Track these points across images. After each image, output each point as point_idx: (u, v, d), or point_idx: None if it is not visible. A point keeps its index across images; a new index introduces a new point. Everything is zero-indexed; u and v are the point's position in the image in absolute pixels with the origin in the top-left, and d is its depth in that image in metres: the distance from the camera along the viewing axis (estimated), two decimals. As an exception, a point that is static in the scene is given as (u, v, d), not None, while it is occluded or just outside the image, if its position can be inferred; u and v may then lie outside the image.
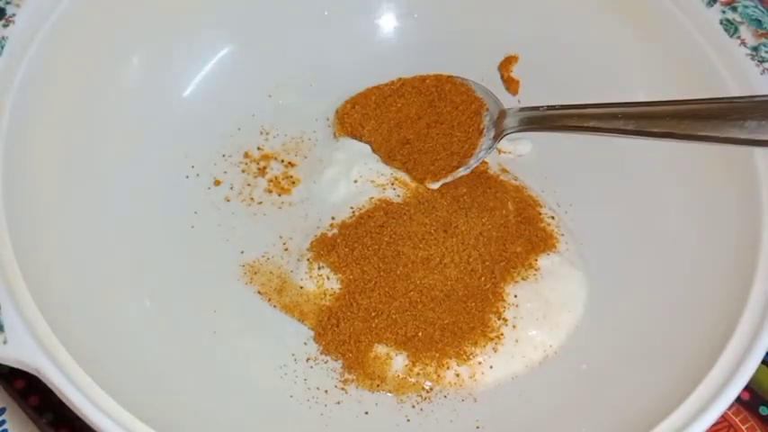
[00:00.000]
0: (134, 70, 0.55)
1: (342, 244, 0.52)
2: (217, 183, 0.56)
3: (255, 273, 0.52)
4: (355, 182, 0.55)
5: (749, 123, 0.44)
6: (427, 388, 0.48)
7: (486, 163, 0.56)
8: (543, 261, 0.52)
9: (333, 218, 0.54)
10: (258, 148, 0.57)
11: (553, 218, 0.54)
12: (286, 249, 0.53)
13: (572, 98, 0.53)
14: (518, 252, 0.52)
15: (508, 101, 0.58)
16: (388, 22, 0.62)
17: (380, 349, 0.48)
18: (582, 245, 0.53)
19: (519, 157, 0.57)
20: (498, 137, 0.55)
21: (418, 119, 0.57)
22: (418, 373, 0.48)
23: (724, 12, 0.51)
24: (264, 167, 0.57)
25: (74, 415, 0.38)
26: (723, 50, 0.50)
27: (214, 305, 0.51)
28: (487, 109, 0.56)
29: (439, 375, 0.48)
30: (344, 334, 0.49)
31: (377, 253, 0.51)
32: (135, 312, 0.48)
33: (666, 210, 0.52)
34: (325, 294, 0.51)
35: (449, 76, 0.58)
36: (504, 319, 0.49)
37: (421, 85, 0.58)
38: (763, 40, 0.49)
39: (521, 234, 0.52)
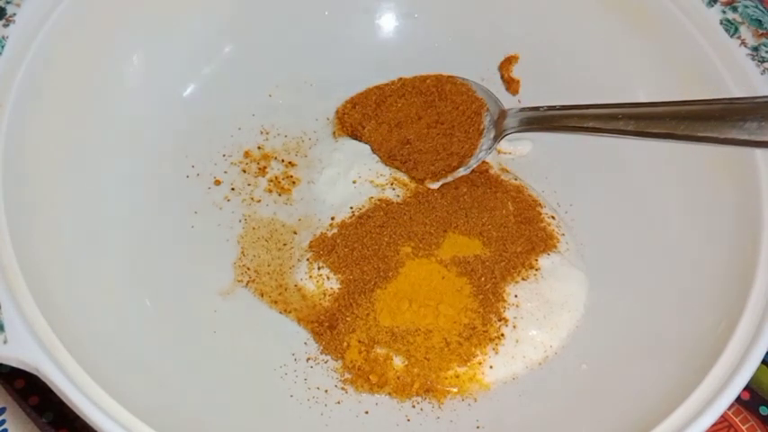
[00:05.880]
0: (134, 70, 0.55)
1: (341, 244, 0.52)
2: (217, 183, 0.56)
3: (256, 272, 0.52)
4: (354, 182, 0.55)
5: (749, 124, 0.44)
6: (427, 388, 0.48)
7: (486, 163, 0.56)
8: (543, 261, 0.52)
9: (333, 218, 0.54)
10: (258, 148, 0.57)
11: (553, 218, 0.54)
12: (286, 249, 0.53)
13: (572, 98, 0.53)
14: (518, 252, 0.52)
15: (508, 101, 0.58)
16: (388, 22, 0.62)
17: (380, 350, 0.48)
18: (582, 245, 0.53)
19: (519, 157, 0.57)
20: (498, 137, 0.55)
21: (418, 119, 0.57)
22: (418, 374, 0.48)
23: (724, 12, 0.51)
24: (265, 167, 0.57)
25: (74, 415, 0.38)
26: (723, 50, 0.50)
27: (214, 305, 0.51)
28: (488, 109, 0.56)
29: (439, 376, 0.48)
30: (344, 334, 0.49)
31: (377, 253, 0.51)
32: (135, 312, 0.48)
33: (666, 210, 0.52)
34: (324, 294, 0.51)
35: (449, 77, 0.58)
36: (504, 319, 0.49)
37: (421, 85, 0.58)
38: (764, 40, 0.49)
39: (521, 234, 0.52)
